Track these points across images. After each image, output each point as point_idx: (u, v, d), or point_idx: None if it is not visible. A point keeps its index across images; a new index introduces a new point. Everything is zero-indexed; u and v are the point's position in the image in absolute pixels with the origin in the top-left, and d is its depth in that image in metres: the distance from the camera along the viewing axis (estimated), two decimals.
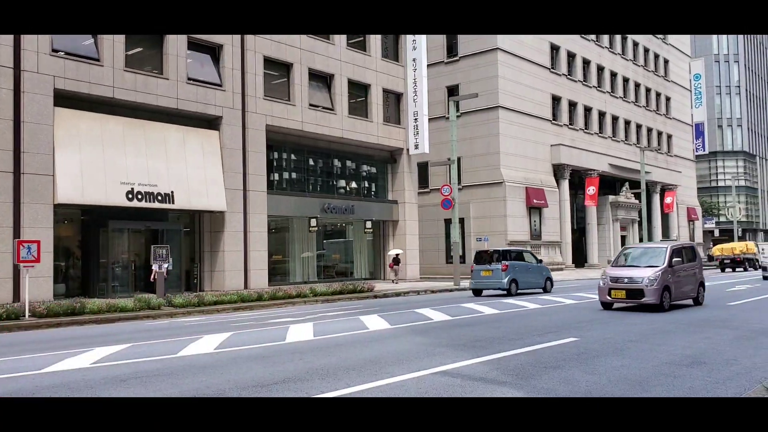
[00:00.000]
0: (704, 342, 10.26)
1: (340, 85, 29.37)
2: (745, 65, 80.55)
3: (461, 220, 40.08)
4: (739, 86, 79.46)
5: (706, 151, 67.79)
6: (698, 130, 62.99)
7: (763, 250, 41.80)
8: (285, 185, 28.81)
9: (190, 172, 23.96)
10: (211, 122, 25.15)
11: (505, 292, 21.32)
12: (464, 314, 14.80)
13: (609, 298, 15.10)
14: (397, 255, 30.46)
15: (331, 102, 29.16)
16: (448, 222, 41.25)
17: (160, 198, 22.91)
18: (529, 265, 23.04)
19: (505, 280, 21.22)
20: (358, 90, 30.58)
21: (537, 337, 10.71)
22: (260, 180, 26.04)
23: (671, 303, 15.16)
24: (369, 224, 30.52)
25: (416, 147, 31.90)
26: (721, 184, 73.61)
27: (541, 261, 24.71)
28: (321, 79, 29.14)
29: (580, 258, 46.04)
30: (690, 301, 16.51)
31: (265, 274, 26.05)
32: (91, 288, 22.54)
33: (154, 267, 20.14)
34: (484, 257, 22.38)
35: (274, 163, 28.24)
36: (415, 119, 31.87)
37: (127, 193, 21.96)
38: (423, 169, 40.37)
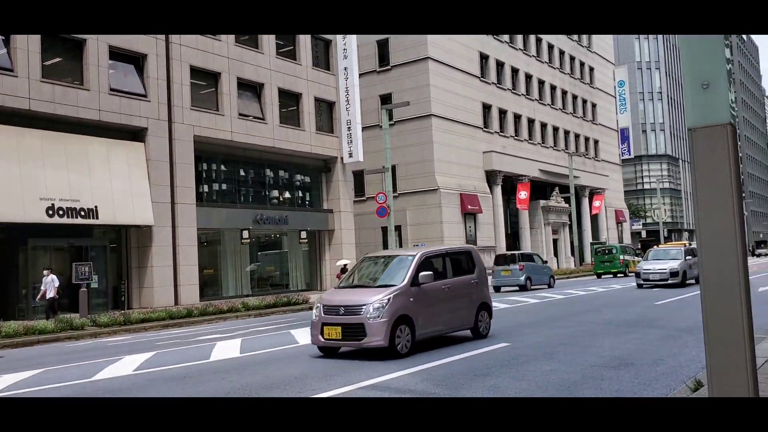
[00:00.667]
0: (632, 343, 10.42)
1: (270, 94, 28.93)
2: (665, 72, 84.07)
3: (398, 228, 40.24)
4: (660, 92, 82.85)
5: (632, 155, 70.22)
6: (623, 135, 65.21)
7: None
8: (215, 197, 28.12)
9: (115, 185, 23.07)
10: (136, 134, 24.31)
11: (520, 288, 25.64)
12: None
13: (322, 339, 9.88)
14: (345, 265, 30.23)
15: (261, 111, 28.69)
16: (385, 230, 41.30)
17: (83, 213, 21.96)
18: (537, 265, 27.60)
19: (522, 278, 25.77)
20: (290, 99, 30.21)
21: (470, 344, 10.65)
22: (189, 192, 25.32)
23: (416, 341, 9.94)
24: (304, 234, 30.10)
25: (350, 155, 31.74)
26: (647, 186, 76.42)
27: (546, 262, 30.19)
28: (251, 89, 28.64)
29: None
30: (467, 332, 11.45)
31: (196, 289, 25.31)
32: (9, 310, 21.31)
33: (44, 288, 18.85)
34: (502, 259, 27.35)
35: (204, 175, 27.53)
36: (349, 128, 31.72)
37: (48, 209, 20.93)
38: (359, 177, 40.23)
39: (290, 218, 29.95)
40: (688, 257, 23.25)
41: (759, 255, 61.37)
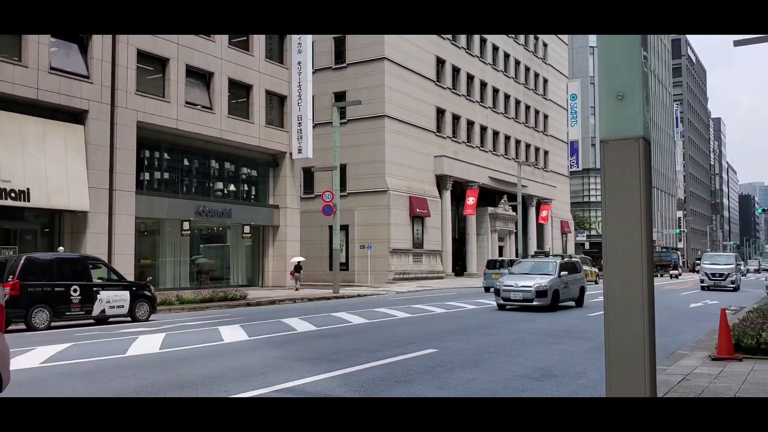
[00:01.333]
0: (559, 354, 10.43)
1: (220, 83, 28.32)
2: None
3: (345, 227, 39.98)
4: None
5: (580, 168, 71.63)
6: (573, 148, 66.44)
7: None
8: (157, 186, 27.36)
9: (50, 168, 22.18)
10: (76, 116, 23.43)
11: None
12: (332, 324, 14.43)
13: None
14: (298, 262, 29.90)
15: (209, 101, 28.06)
16: (332, 228, 40.99)
17: (13, 195, 21.04)
18: None
19: None
20: (240, 90, 29.64)
21: (397, 348, 10.50)
22: (128, 179, 24.55)
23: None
24: (247, 229, 29.55)
25: (300, 151, 31.34)
26: (593, 199, 78.03)
27: None
28: (200, 77, 27.98)
29: (460, 267, 47.11)
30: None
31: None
32: None
33: None
34: (493, 264, 30.66)
35: (146, 162, 26.76)
36: (299, 123, 31.32)
37: None
38: (309, 174, 39.88)
39: (234, 212, 29.38)
40: (563, 273, 19.43)
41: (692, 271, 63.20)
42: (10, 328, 13.44)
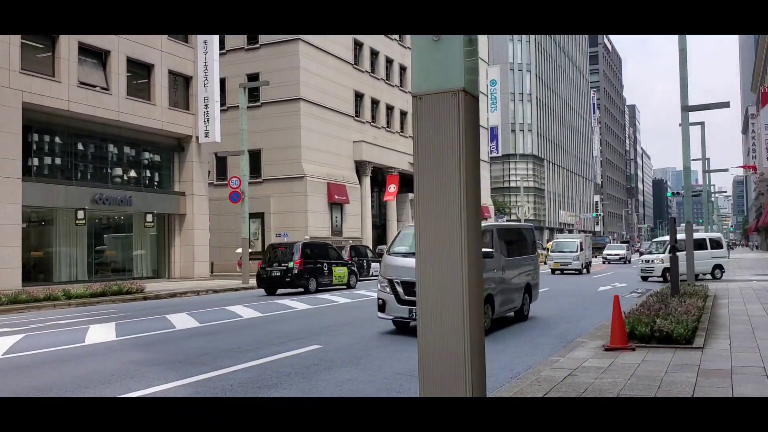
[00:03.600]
0: None
1: (117, 63, 26.47)
2: (536, 74, 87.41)
3: (260, 215, 38.69)
4: (530, 94, 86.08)
5: (500, 154, 72.38)
6: (493, 134, 66.96)
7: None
8: (48, 172, 25.37)
9: None
10: None
11: None
12: (219, 319, 13.40)
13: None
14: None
15: (106, 81, 26.19)
16: (249, 216, 39.48)
17: None
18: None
19: None
20: (140, 70, 27.85)
21: (278, 346, 9.65)
22: (14, 165, 22.56)
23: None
24: (150, 218, 27.87)
25: (207, 135, 29.84)
26: (513, 184, 79.14)
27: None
28: (94, 55, 26.06)
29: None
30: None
31: (18, 273, 22.64)
32: None
33: None
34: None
35: (35, 147, 24.71)
36: (206, 105, 29.79)
37: None
38: (223, 160, 38.34)
39: (135, 199, 27.65)
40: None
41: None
42: None
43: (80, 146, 26.28)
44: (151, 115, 27.80)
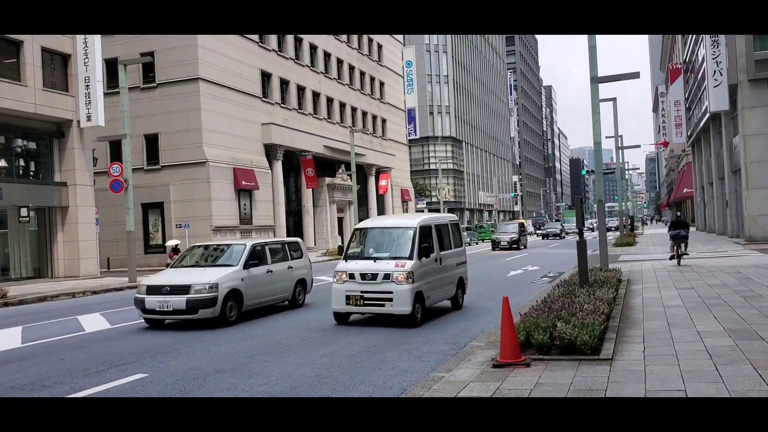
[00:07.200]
0: (325, 359, 8.25)
1: None
2: (452, 57, 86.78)
3: (159, 205, 36.02)
4: (447, 75, 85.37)
5: (418, 136, 71.42)
6: (410, 116, 65.82)
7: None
8: None
9: None
10: None
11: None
12: (53, 336, 11.29)
13: None
14: (176, 245, 26.20)
15: None
16: (147, 207, 36.76)
17: None
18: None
19: None
20: (7, 46, 24.77)
21: (90, 377, 7.74)
22: None
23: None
24: (25, 212, 24.97)
25: (89, 119, 27.00)
26: (432, 167, 78.39)
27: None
28: None
29: None
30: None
31: None
32: None
33: None
34: None
35: None
36: (87, 86, 26.92)
37: None
38: (116, 146, 35.37)
39: (6, 192, 24.66)
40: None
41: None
42: None
43: None
44: (22, 98, 24.80)
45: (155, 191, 35.42)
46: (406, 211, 62.79)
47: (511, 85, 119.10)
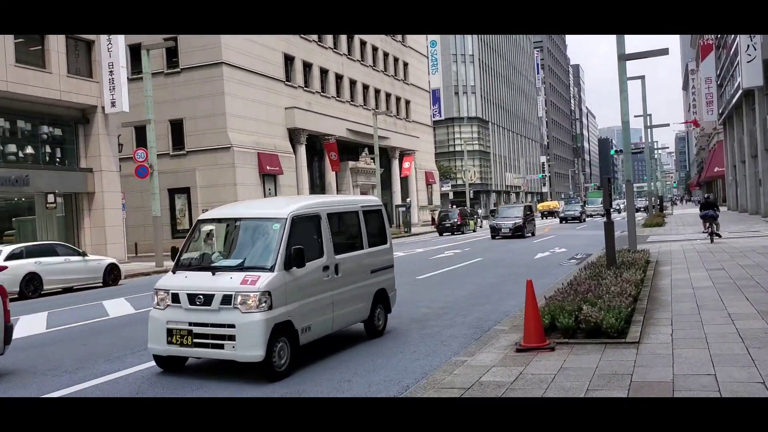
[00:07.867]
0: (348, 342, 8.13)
1: None
2: (478, 35, 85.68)
3: (186, 190, 36.25)
4: (473, 55, 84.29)
5: (443, 117, 70.77)
6: (435, 97, 65.26)
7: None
8: None
9: None
10: None
11: None
12: (77, 321, 11.40)
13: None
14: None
15: None
16: (173, 192, 37.03)
17: None
18: None
19: None
20: (31, 34, 24.91)
21: (111, 363, 7.76)
22: None
23: None
24: (51, 198, 25.23)
25: (113, 105, 27.14)
26: (458, 148, 77.66)
27: None
28: None
29: None
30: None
31: None
32: None
33: None
34: None
35: None
36: (111, 72, 27.04)
37: None
38: (141, 131, 35.57)
39: (33, 178, 24.95)
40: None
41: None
42: None
43: None
44: (48, 84, 24.98)
45: (181, 177, 35.62)
46: (430, 195, 62.31)
47: (538, 64, 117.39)
